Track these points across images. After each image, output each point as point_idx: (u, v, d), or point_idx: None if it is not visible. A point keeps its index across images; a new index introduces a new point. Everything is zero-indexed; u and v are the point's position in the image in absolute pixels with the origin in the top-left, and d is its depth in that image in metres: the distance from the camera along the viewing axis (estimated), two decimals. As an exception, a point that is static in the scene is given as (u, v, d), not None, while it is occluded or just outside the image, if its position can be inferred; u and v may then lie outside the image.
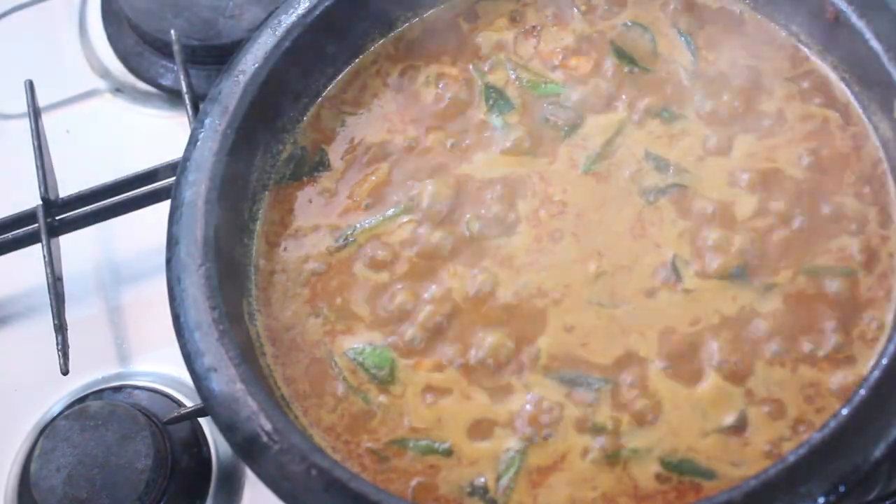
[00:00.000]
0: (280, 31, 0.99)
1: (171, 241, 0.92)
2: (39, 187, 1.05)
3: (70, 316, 1.02)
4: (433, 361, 0.90)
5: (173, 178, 0.97)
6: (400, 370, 0.91)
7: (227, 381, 0.85)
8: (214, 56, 1.18)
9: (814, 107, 0.96)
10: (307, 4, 1.00)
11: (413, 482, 0.86)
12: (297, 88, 1.01)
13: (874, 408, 0.78)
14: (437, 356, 0.90)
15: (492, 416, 0.88)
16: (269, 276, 0.96)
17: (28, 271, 1.09)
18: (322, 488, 0.81)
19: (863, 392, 0.79)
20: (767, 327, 0.87)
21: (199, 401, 0.89)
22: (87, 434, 0.95)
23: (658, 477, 0.84)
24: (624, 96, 0.99)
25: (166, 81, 1.22)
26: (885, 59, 0.90)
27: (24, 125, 1.09)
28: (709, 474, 0.83)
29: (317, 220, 0.98)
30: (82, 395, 1.06)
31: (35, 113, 1.09)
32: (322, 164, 1.00)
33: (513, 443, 0.87)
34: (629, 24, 1.02)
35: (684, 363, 0.87)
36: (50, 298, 1.01)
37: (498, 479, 0.86)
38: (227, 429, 0.85)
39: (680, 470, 0.84)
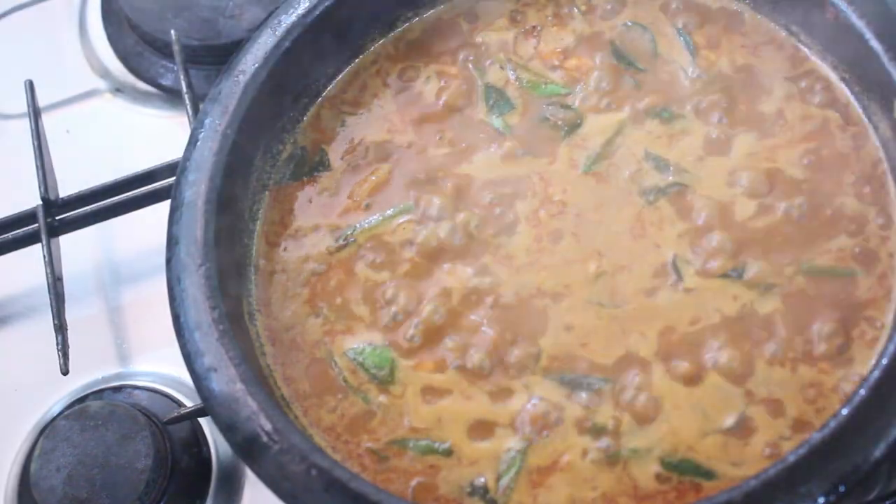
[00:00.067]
0: (280, 31, 0.99)
1: (171, 241, 0.92)
2: (39, 187, 1.05)
3: (70, 316, 1.02)
4: (433, 361, 0.90)
5: (173, 178, 0.97)
6: (400, 370, 0.91)
7: (227, 381, 0.85)
8: (214, 56, 1.18)
9: (814, 107, 0.96)
10: (307, 4, 1.00)
11: (413, 482, 0.86)
12: (297, 88, 1.01)
13: (874, 408, 0.78)
14: (438, 356, 0.90)
15: (492, 416, 0.88)
16: (269, 276, 0.96)
17: (28, 271, 1.09)
18: (322, 488, 0.81)
19: (863, 392, 0.79)
20: (767, 327, 0.87)
21: (199, 401, 0.89)
22: (87, 434, 0.95)
23: (658, 477, 0.84)
24: (624, 96, 0.99)
25: (166, 81, 1.22)
26: (885, 59, 0.90)
27: (24, 125, 1.09)
28: (709, 474, 0.83)
29: (317, 220, 0.98)
30: (82, 395, 1.06)
31: (35, 113, 1.09)
32: (322, 164, 1.00)
33: (513, 443, 0.87)
34: (629, 24, 1.02)
35: (684, 363, 0.87)
36: (50, 298, 1.01)
37: (498, 479, 0.86)
38: (227, 429, 0.85)
39: (680, 470, 0.84)
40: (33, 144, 1.07)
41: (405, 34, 1.05)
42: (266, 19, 1.00)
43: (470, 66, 1.03)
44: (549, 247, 0.94)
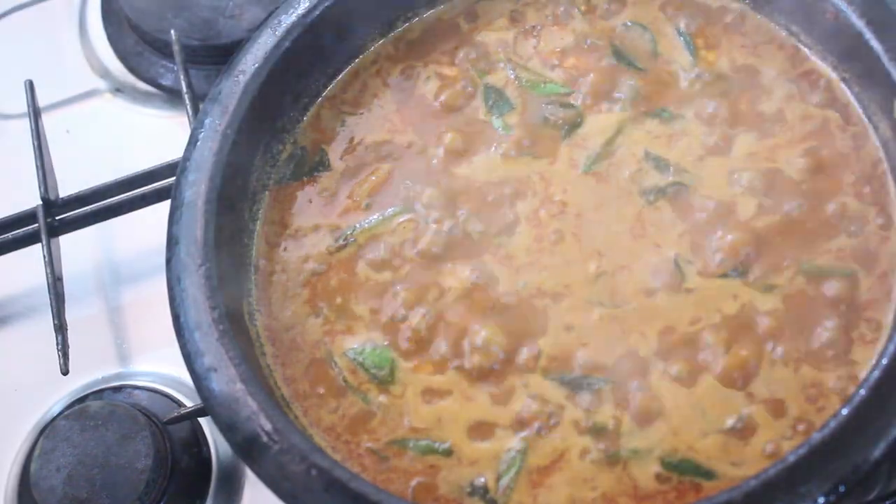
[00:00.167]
0: (280, 31, 0.99)
1: (171, 241, 0.92)
2: (39, 187, 1.05)
3: (70, 316, 1.02)
4: (433, 361, 0.90)
5: (173, 178, 0.97)
6: (400, 370, 0.91)
7: (227, 381, 0.85)
8: (214, 56, 1.18)
9: (814, 107, 0.96)
10: (307, 4, 1.00)
11: (413, 482, 0.86)
12: (297, 88, 1.01)
13: (874, 408, 0.78)
14: (438, 356, 0.90)
15: (492, 416, 0.88)
16: (269, 276, 0.96)
17: (28, 271, 1.09)
18: (322, 488, 0.81)
19: (863, 392, 0.79)
20: (768, 327, 0.87)
21: (199, 401, 0.89)
22: (87, 434, 0.95)
23: (658, 477, 0.84)
24: (624, 96, 0.99)
25: (166, 81, 1.22)
26: (885, 59, 0.90)
27: (24, 125, 1.09)
28: (709, 474, 0.83)
29: (317, 220, 0.98)
30: (82, 395, 1.06)
31: (35, 113, 1.09)
32: (322, 164, 1.00)
33: (513, 443, 0.87)
34: (629, 24, 1.02)
35: (684, 363, 0.87)
36: (50, 298, 1.01)
37: (498, 479, 0.86)
38: (227, 429, 0.85)
39: (680, 470, 0.84)
40: (33, 144, 1.07)
41: (405, 34, 1.05)
42: (266, 19, 1.00)
43: (470, 65, 1.03)
44: (550, 247, 0.93)
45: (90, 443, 0.95)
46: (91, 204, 1.08)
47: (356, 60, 1.04)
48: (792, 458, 0.77)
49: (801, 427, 0.84)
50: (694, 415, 0.85)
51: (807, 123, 0.95)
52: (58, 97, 1.23)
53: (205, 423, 1.03)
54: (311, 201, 0.99)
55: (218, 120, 0.96)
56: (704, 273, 0.90)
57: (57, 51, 1.28)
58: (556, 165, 0.97)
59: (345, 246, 0.96)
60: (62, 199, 1.08)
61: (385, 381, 0.90)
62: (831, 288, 0.88)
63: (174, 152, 1.01)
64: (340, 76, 1.04)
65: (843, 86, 0.96)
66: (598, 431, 0.86)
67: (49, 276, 1.02)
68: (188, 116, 1.04)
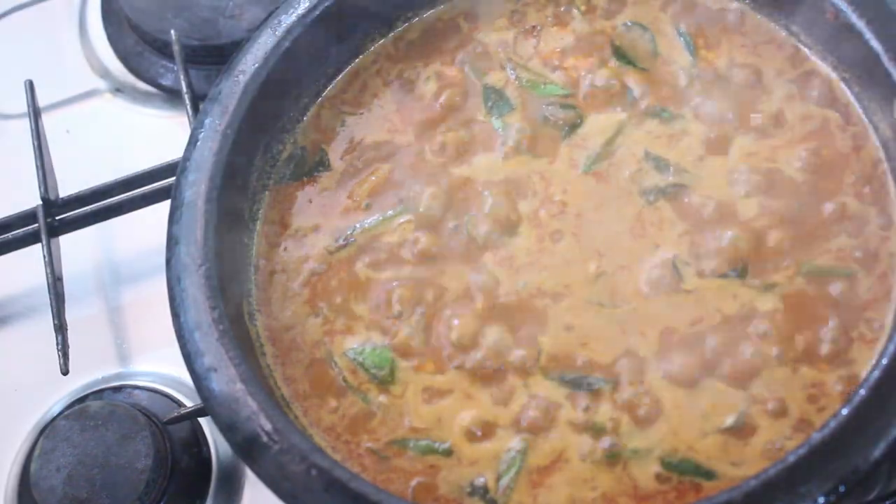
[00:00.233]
0: (280, 31, 0.99)
1: (171, 241, 0.92)
2: (39, 187, 1.05)
3: (70, 316, 1.02)
4: (433, 361, 0.90)
5: (173, 178, 0.97)
6: (400, 370, 0.91)
7: (227, 381, 0.85)
8: (214, 56, 1.18)
9: (814, 107, 0.96)
10: (307, 4, 1.00)
11: (413, 482, 0.86)
12: (297, 88, 1.01)
13: (874, 408, 0.78)
14: (438, 356, 0.90)
15: (492, 416, 0.88)
16: (269, 276, 0.96)
17: (28, 271, 1.09)
18: (322, 488, 0.81)
19: (863, 392, 0.79)
20: (768, 327, 0.87)
21: (199, 401, 0.89)
22: (87, 434, 0.95)
23: (658, 477, 0.84)
24: (623, 96, 0.99)
25: (166, 81, 1.22)
26: (885, 59, 0.90)
27: (24, 125, 1.09)
28: (709, 474, 0.83)
29: (317, 220, 0.98)
30: (82, 395, 1.06)
31: (35, 113, 1.09)
32: (322, 164, 1.00)
33: (513, 443, 0.87)
34: (629, 24, 1.02)
35: (684, 363, 0.87)
36: (50, 298, 1.01)
37: (498, 479, 0.86)
38: (227, 429, 0.85)
39: (680, 470, 0.84)
40: (33, 144, 1.07)
41: (405, 34, 1.05)
42: (266, 19, 1.00)
43: (470, 66, 1.02)
44: (550, 247, 0.94)
45: (90, 443, 0.95)
46: (91, 204, 1.08)
47: (356, 60, 1.04)
48: (792, 458, 0.77)
49: (801, 427, 0.84)
50: (694, 415, 0.85)
51: (807, 123, 0.95)
52: (58, 97, 1.23)
53: (205, 423, 1.03)
54: (311, 201, 0.99)
55: (218, 120, 0.96)
56: (704, 273, 0.90)
57: (57, 51, 1.28)
58: (556, 165, 0.97)
59: (345, 246, 0.96)
60: (62, 199, 1.08)
61: (385, 381, 0.90)
62: (831, 288, 0.88)
63: (174, 152, 1.01)
64: (340, 76, 1.04)
65: (843, 86, 0.96)
66: (597, 431, 0.86)
67: (49, 276, 1.02)
68: (188, 116, 1.04)
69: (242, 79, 0.97)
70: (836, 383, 0.85)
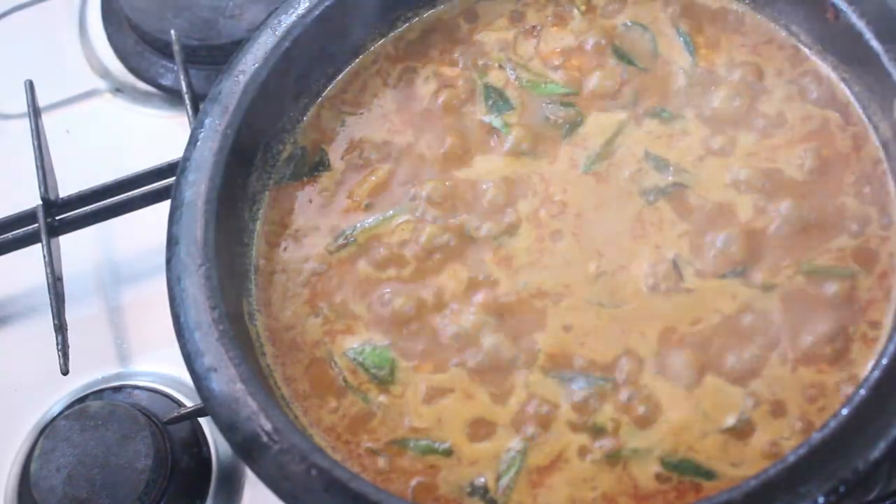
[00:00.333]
0: (280, 31, 0.99)
1: (171, 241, 0.92)
2: (39, 187, 1.05)
3: (70, 316, 1.02)
4: (433, 361, 0.90)
5: (173, 178, 0.97)
6: (400, 370, 0.91)
7: (227, 381, 0.85)
8: (214, 56, 1.18)
9: (814, 107, 0.96)
10: (307, 4, 1.00)
11: (413, 482, 0.86)
12: (297, 88, 1.01)
13: (874, 408, 0.78)
14: (437, 356, 0.90)
15: (492, 416, 0.88)
16: (269, 276, 0.96)
17: (28, 271, 1.09)
18: (322, 488, 0.81)
19: (863, 392, 0.79)
20: (767, 327, 0.87)
21: (199, 401, 0.89)
22: (87, 434, 0.95)
23: (658, 477, 0.84)
24: (624, 96, 0.99)
25: (166, 81, 1.22)
26: (885, 59, 0.90)
27: (24, 125, 1.09)
28: (709, 474, 0.83)
29: (317, 220, 0.98)
30: (82, 395, 1.06)
31: (35, 113, 1.09)
32: (322, 164, 1.00)
33: (513, 443, 0.87)
34: (629, 24, 1.02)
35: (684, 363, 0.87)
36: (50, 298, 1.01)
37: (498, 479, 0.86)
38: (227, 429, 0.85)
39: (680, 470, 0.84)
40: (33, 144, 1.07)
41: (405, 34, 1.05)
42: (266, 19, 1.00)
43: (470, 65, 1.02)
44: (550, 247, 0.94)
45: (90, 443, 0.95)
46: (91, 204, 1.08)
47: (356, 60, 1.04)
48: (792, 458, 0.77)
49: (800, 427, 0.84)
50: (694, 415, 0.85)
51: (807, 123, 0.95)
52: (58, 97, 1.23)
53: (205, 423, 1.03)
54: (311, 201, 0.99)
55: (218, 120, 0.96)
56: (704, 273, 0.90)
57: (57, 51, 1.28)
58: (557, 165, 0.97)
59: (345, 246, 0.96)
60: (62, 199, 1.08)
61: (385, 381, 0.90)
62: (831, 288, 0.88)
63: (174, 152, 1.01)
64: (340, 76, 1.04)
65: (843, 86, 0.96)
66: (597, 431, 0.86)
67: (49, 276, 1.02)
68: (188, 116, 1.04)
69: (242, 79, 0.97)
70: (836, 383, 0.85)
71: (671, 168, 0.95)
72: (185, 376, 0.89)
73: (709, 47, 1.00)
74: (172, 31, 1.11)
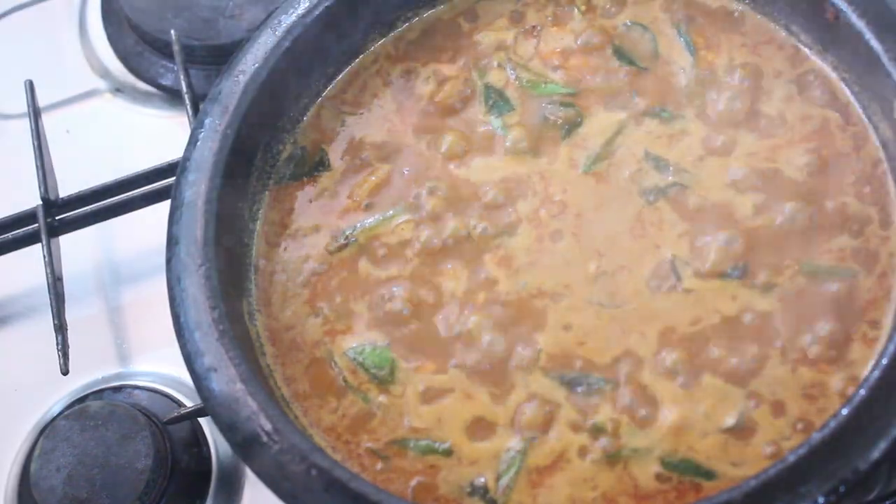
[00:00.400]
0: (280, 31, 0.99)
1: (171, 241, 0.92)
2: (39, 187, 1.05)
3: (70, 316, 1.02)
4: (433, 361, 0.90)
5: (173, 178, 0.97)
6: (400, 370, 0.91)
7: (227, 381, 0.85)
8: (214, 56, 1.18)
9: (814, 107, 0.96)
10: (307, 4, 1.00)
11: (413, 482, 0.86)
12: (297, 88, 1.01)
13: (874, 408, 0.78)
14: (437, 356, 0.90)
15: (492, 415, 0.88)
16: (269, 276, 0.96)
17: (28, 271, 1.09)
18: (322, 488, 0.81)
19: (863, 392, 0.79)
20: (767, 327, 0.87)
21: (199, 401, 0.89)
22: (87, 434, 0.95)
23: (658, 477, 0.84)
24: (623, 96, 0.99)
25: (166, 81, 1.22)
26: (885, 59, 0.90)
27: (24, 125, 1.09)
28: (709, 474, 0.83)
29: (317, 220, 0.98)
30: (82, 395, 1.06)
31: (35, 113, 1.09)
32: (322, 164, 1.00)
33: (513, 443, 0.87)
34: (629, 24, 1.02)
35: (684, 363, 0.87)
36: (50, 298, 1.01)
37: (498, 478, 0.86)
38: (227, 429, 0.85)
39: (680, 470, 0.84)
40: (33, 144, 1.07)
41: (405, 34, 1.05)
42: (266, 19, 1.00)
43: (470, 65, 1.02)
44: (550, 247, 0.94)
45: (90, 443, 0.95)
46: (91, 204, 1.08)
47: (356, 60, 1.04)
48: (792, 458, 0.77)
49: (801, 427, 0.84)
50: (694, 415, 0.85)
51: (807, 123, 0.95)
52: (58, 97, 1.23)
53: (205, 423, 1.03)
54: (311, 201, 0.99)
55: (218, 120, 0.96)
56: (704, 273, 0.90)
57: (57, 51, 1.28)
58: (556, 165, 0.97)
59: (345, 246, 0.96)
60: (62, 199, 1.08)
61: (385, 381, 0.90)
62: (831, 288, 0.88)
63: (174, 152, 1.01)
64: (340, 76, 1.04)
65: (843, 86, 0.96)
66: (597, 431, 0.86)
67: (49, 276, 1.02)
68: (188, 116, 1.04)
69: (242, 79, 0.97)
70: (836, 383, 0.85)
71: (671, 168, 0.95)
72: (185, 376, 0.89)
73: (709, 47, 1.00)
74: (172, 31, 1.11)
